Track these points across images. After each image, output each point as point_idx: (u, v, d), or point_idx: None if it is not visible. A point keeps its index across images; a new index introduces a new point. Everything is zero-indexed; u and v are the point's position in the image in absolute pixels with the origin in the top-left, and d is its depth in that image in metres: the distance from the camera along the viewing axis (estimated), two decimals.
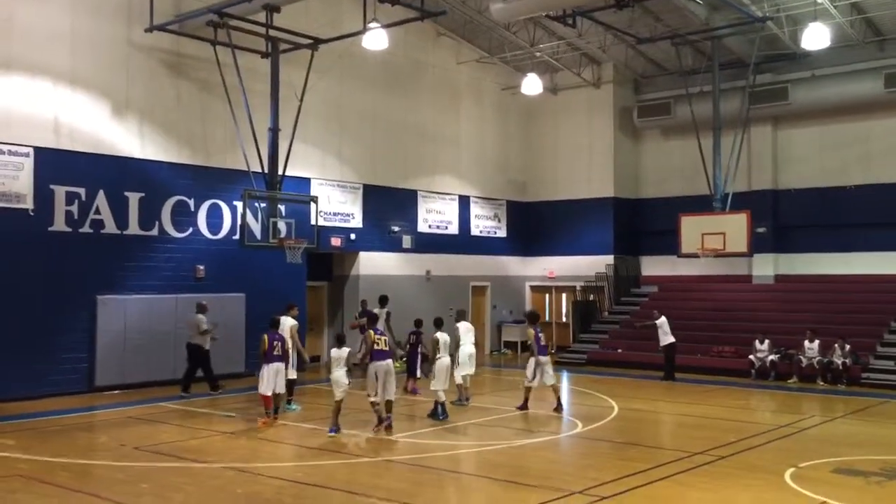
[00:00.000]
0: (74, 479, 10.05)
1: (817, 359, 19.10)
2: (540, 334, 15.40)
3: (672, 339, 19.86)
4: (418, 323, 17.34)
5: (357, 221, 22.71)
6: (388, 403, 12.75)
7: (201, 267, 19.01)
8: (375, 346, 12.65)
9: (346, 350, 13.04)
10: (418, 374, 17.12)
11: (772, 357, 19.81)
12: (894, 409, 15.97)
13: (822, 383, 18.84)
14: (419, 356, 17.12)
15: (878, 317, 20.93)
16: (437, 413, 14.05)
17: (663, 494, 9.46)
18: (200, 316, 16.74)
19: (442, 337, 14.77)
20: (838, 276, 23.12)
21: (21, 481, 9.88)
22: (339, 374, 12.78)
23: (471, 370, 15.54)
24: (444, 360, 14.59)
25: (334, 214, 22.08)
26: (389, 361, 12.77)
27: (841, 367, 18.70)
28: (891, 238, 22.35)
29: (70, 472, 10.39)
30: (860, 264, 22.84)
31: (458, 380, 15.12)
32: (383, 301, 19.18)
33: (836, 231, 23.24)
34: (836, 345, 18.96)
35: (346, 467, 10.93)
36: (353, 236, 22.50)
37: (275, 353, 13.58)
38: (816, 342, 19.23)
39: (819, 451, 11.59)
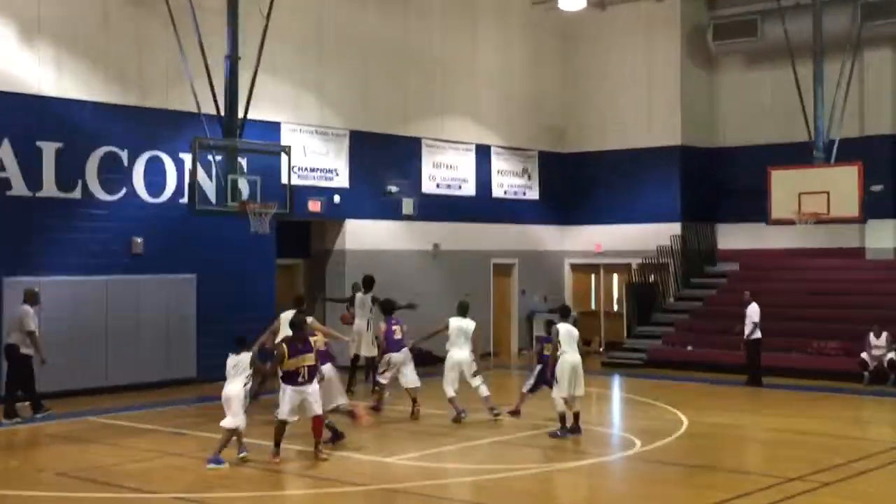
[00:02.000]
0: None
1: None
2: (394, 327, 15.79)
3: (759, 334, 19.88)
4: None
5: (342, 180, 22.73)
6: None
7: (139, 240, 19.07)
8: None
9: (245, 356, 12.68)
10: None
11: (891, 355, 19.80)
12: None
13: None
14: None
15: None
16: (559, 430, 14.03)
17: None
18: (27, 308, 15.85)
19: (563, 329, 14.45)
20: None
21: None
22: (231, 390, 12.39)
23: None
24: (568, 356, 14.20)
25: (312, 170, 22.10)
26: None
27: None
28: None
29: None
30: None
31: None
32: (367, 284, 19.15)
33: None
34: None
35: (331, 497, 11.01)
36: (336, 199, 22.53)
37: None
38: None
39: None
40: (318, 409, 12.36)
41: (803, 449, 13.72)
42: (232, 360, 12.59)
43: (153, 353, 18.85)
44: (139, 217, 19.13)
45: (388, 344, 15.98)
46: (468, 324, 15.66)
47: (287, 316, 15.30)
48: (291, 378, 12.29)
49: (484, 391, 15.55)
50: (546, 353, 14.80)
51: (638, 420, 16.02)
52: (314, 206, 22.04)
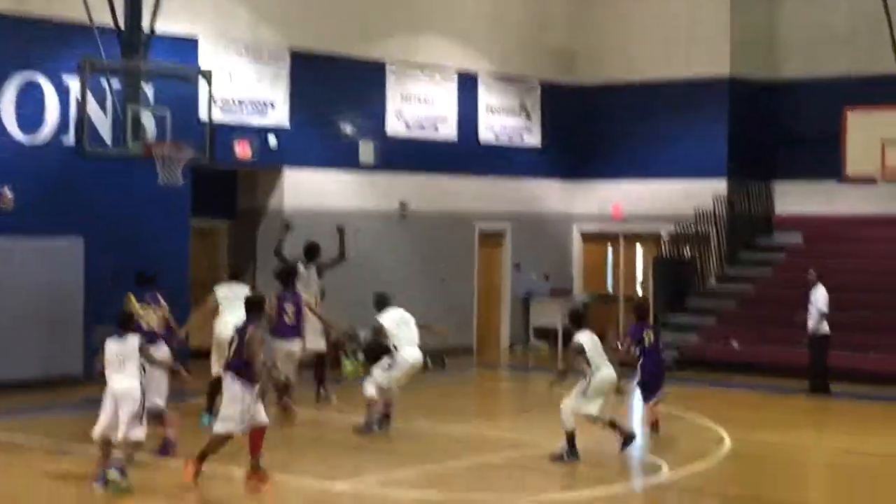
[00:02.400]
0: None
1: None
2: (287, 305, 16.09)
3: (827, 329, 20.00)
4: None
5: (280, 115, 22.67)
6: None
7: (7, 192, 18.98)
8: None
9: (132, 340, 12.57)
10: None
11: None
12: None
13: None
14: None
15: None
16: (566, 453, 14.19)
17: None
18: None
19: (587, 338, 14.72)
20: None
21: None
22: (127, 386, 12.34)
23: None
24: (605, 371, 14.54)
25: (240, 103, 22.00)
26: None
27: None
28: None
29: None
30: None
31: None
32: (310, 253, 19.13)
33: None
34: None
35: None
36: (272, 141, 22.48)
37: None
38: None
39: None
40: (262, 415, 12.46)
41: (881, 478, 13.87)
42: (114, 347, 12.34)
43: (25, 343, 18.73)
44: (8, 162, 19.00)
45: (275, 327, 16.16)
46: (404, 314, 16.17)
47: (227, 293, 15.53)
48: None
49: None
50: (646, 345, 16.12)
51: (666, 438, 16.09)
52: (242, 150, 21.95)
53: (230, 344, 12.61)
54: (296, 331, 16.62)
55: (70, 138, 19.00)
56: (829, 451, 15.84)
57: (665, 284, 25.93)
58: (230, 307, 15.83)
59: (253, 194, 23.31)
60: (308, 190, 23.13)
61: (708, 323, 24.51)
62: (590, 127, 27.71)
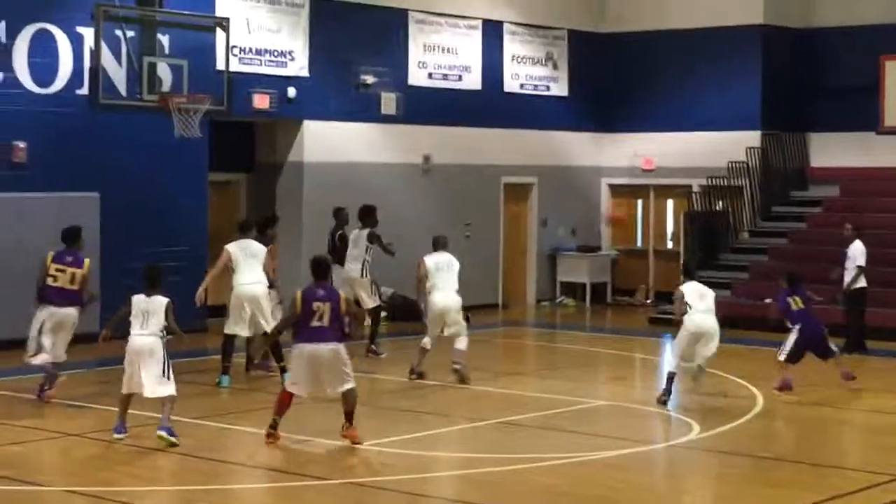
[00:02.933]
0: None
1: None
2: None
3: (864, 283, 19.95)
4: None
5: (299, 66, 22.57)
6: None
7: (21, 145, 18.96)
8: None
9: (161, 301, 12.70)
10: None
11: None
12: None
13: None
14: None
15: None
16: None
17: None
18: None
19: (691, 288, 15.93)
20: None
21: None
22: (146, 342, 12.53)
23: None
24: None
25: (258, 52, 21.92)
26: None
27: None
28: None
29: None
30: None
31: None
32: (366, 216, 19.16)
33: None
34: None
35: (278, 495, 11.09)
36: (292, 92, 22.39)
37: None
38: None
39: None
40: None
41: None
42: (142, 303, 12.56)
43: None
44: (21, 115, 18.96)
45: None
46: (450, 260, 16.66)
47: (237, 249, 15.60)
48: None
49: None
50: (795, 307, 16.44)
51: (697, 397, 16.07)
52: (261, 101, 21.89)
53: (313, 312, 12.35)
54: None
55: (84, 90, 18.99)
56: (863, 410, 15.85)
57: (697, 239, 25.87)
58: (245, 266, 15.91)
59: (272, 147, 23.26)
60: (328, 142, 23.07)
61: (741, 278, 24.43)
62: (619, 77, 27.60)
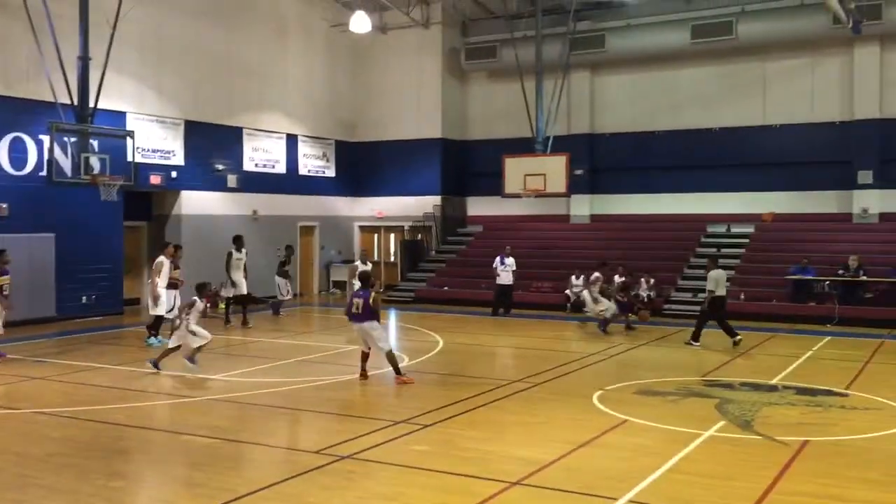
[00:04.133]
0: None
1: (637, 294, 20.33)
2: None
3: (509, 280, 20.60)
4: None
5: (179, 159, 21.73)
6: None
7: (4, 205, 17.64)
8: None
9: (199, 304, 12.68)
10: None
11: (585, 292, 20.84)
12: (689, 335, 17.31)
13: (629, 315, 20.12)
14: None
15: (680, 253, 22.59)
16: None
17: (482, 419, 9.87)
18: None
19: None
20: (647, 216, 24.68)
21: None
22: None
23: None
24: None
25: (154, 151, 21.01)
26: None
27: (646, 300, 20.04)
28: (692, 180, 24.09)
29: None
30: (666, 204, 24.48)
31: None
32: (237, 241, 18.75)
33: (645, 173, 24.73)
34: (643, 279, 20.26)
35: (168, 407, 10.63)
36: (174, 174, 21.54)
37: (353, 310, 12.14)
38: (624, 279, 20.43)
39: (624, 376, 12.46)
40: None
41: (524, 360, 14.42)
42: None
43: (16, 298, 17.49)
44: (4, 187, 17.72)
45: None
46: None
47: (161, 261, 15.06)
48: None
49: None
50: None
51: (408, 342, 16.24)
52: (155, 179, 20.99)
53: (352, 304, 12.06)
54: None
55: (44, 172, 17.82)
56: (497, 346, 16.29)
57: (407, 255, 26.18)
58: (167, 270, 15.20)
59: (163, 206, 22.23)
60: (197, 203, 22.24)
61: (431, 276, 24.82)
62: (363, 166, 27.58)
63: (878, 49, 22.06)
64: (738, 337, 15.33)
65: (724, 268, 19.15)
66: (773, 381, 12.09)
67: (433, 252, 26.41)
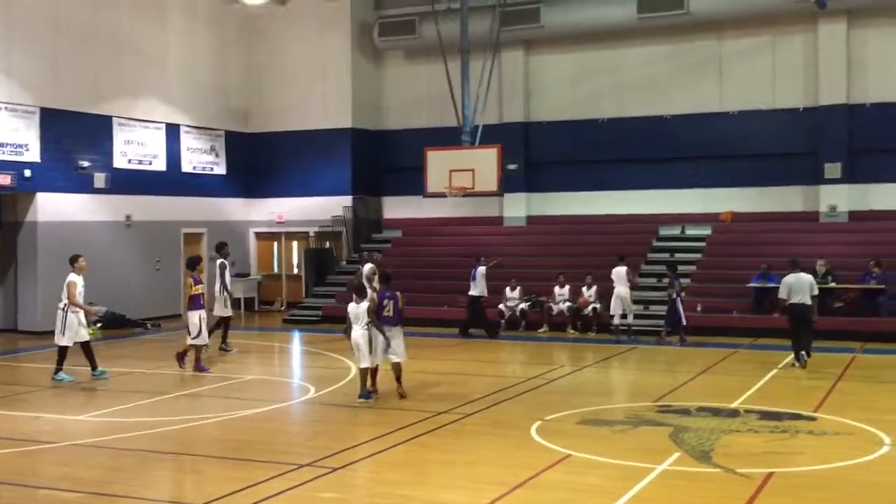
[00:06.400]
0: None
1: (568, 305, 20.65)
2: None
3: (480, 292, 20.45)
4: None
5: (33, 154, 21.11)
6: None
7: None
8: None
9: (365, 304, 12.91)
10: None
11: (523, 305, 21.11)
12: (642, 354, 17.70)
13: (572, 332, 20.44)
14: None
15: (630, 260, 22.94)
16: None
17: (402, 459, 9.84)
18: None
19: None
20: (591, 217, 25.08)
21: None
22: (358, 336, 12.85)
23: None
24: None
25: (1, 145, 20.37)
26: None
27: (591, 314, 20.35)
28: (641, 175, 24.58)
29: None
30: (613, 203, 24.90)
31: None
32: (220, 248, 18.52)
33: (588, 168, 25.12)
34: (584, 287, 20.57)
35: (21, 456, 10.27)
36: (27, 173, 20.93)
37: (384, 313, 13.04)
38: (567, 287, 20.76)
39: (567, 403, 12.60)
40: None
41: (451, 387, 14.39)
42: (353, 308, 12.92)
43: None
44: None
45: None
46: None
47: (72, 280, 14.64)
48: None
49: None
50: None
51: (313, 369, 16.11)
52: (3, 179, 20.37)
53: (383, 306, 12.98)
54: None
55: None
56: (419, 371, 15.56)
57: (313, 267, 26.02)
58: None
59: (14, 211, 21.59)
60: (56, 208, 21.68)
61: (341, 291, 24.45)
62: (259, 161, 27.30)
63: (845, 26, 22.90)
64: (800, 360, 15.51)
65: (681, 275, 19.69)
66: (734, 405, 12.40)
67: (343, 262, 26.27)
